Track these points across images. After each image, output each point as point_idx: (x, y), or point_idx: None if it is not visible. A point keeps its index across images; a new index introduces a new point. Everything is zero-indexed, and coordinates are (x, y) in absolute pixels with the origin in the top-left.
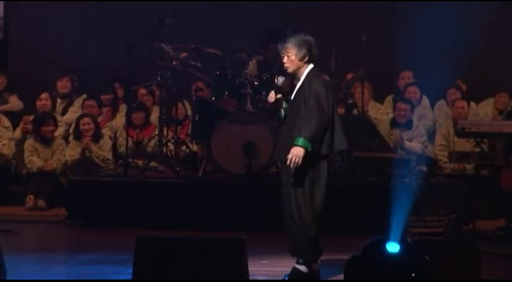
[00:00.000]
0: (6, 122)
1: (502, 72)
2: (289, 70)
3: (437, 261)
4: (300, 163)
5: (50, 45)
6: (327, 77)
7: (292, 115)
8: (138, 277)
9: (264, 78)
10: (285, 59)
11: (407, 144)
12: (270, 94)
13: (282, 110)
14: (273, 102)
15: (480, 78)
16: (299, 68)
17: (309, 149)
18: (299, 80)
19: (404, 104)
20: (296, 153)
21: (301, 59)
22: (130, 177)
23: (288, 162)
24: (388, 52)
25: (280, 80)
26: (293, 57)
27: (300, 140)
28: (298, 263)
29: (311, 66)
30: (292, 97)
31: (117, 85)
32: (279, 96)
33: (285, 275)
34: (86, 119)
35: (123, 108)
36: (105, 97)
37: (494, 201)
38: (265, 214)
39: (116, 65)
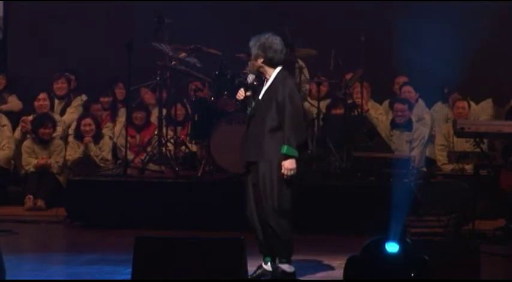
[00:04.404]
0: (5, 120)
1: (502, 72)
2: (251, 72)
3: (436, 261)
4: (295, 172)
5: (49, 46)
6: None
7: (259, 114)
8: (137, 277)
9: (264, 78)
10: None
11: None
12: (240, 91)
13: (250, 109)
14: (241, 100)
15: (480, 78)
16: (263, 69)
17: (297, 156)
18: (267, 80)
19: (401, 104)
20: (289, 166)
21: (263, 62)
22: (130, 177)
23: (285, 177)
24: (387, 52)
25: (250, 77)
26: (254, 60)
27: (289, 149)
28: (281, 262)
29: (280, 68)
30: (260, 96)
31: (119, 85)
32: (248, 93)
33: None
34: (87, 120)
35: (122, 113)
36: (104, 99)
37: (493, 201)
38: None
39: (116, 65)
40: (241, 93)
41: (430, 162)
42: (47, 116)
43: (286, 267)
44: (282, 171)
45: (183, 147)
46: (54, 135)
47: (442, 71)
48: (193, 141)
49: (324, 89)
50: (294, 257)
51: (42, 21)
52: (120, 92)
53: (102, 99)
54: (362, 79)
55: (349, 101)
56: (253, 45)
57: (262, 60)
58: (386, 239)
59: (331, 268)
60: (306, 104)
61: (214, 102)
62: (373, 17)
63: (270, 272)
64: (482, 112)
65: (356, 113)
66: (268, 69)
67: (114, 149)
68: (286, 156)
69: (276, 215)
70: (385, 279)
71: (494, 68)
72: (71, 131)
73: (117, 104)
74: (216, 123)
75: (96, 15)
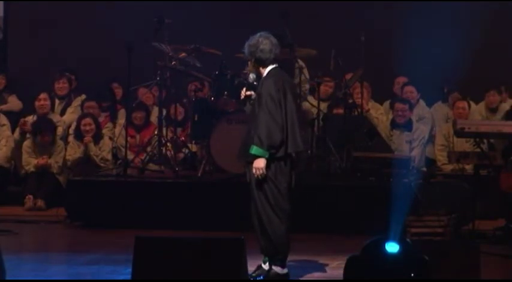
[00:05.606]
0: (4, 120)
1: (501, 72)
2: (251, 72)
3: (436, 261)
4: (264, 172)
5: (49, 45)
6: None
7: (250, 116)
8: (137, 277)
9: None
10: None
11: None
12: (242, 90)
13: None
14: (243, 99)
15: (480, 78)
16: (257, 69)
17: (267, 156)
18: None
19: (402, 104)
20: (256, 165)
21: (255, 62)
22: (130, 177)
23: (256, 176)
24: (387, 52)
25: (251, 77)
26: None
27: (257, 150)
28: (274, 264)
29: (270, 67)
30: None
31: (115, 85)
32: (248, 93)
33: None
34: (87, 120)
35: (122, 115)
36: (104, 103)
37: (493, 202)
38: None
39: (116, 65)
40: (242, 93)
41: (430, 162)
42: (46, 121)
43: (278, 269)
44: (253, 170)
45: (183, 148)
46: None
47: (442, 71)
48: (193, 141)
49: (329, 90)
50: (293, 257)
51: (42, 21)
52: (117, 91)
53: (102, 103)
54: (362, 79)
55: (350, 101)
56: (246, 46)
57: (253, 60)
58: (386, 239)
59: (331, 268)
60: (307, 104)
61: (214, 102)
62: (373, 17)
63: (283, 274)
64: (476, 112)
65: (356, 113)
66: (261, 69)
67: (114, 149)
68: (256, 157)
69: (266, 215)
70: (385, 279)
71: (494, 68)
72: (71, 131)
73: (116, 105)
74: (216, 123)
75: (96, 15)
